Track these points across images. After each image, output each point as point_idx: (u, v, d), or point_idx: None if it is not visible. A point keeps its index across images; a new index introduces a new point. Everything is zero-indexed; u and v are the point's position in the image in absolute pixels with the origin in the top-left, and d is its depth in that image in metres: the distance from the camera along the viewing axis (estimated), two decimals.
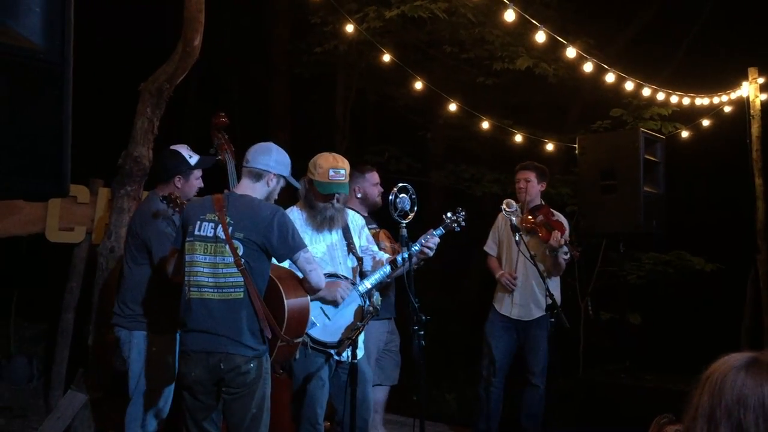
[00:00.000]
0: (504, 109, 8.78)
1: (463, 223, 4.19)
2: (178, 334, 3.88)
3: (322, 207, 3.82)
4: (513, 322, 5.17)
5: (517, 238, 4.62)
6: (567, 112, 9.69)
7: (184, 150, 4.10)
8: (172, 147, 4.13)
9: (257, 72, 10.06)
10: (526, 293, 5.13)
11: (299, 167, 3.83)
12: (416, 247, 3.93)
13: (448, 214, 4.16)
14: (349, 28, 6.43)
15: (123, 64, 7.75)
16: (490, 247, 5.42)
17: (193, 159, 4.09)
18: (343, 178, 3.80)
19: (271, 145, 3.52)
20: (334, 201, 3.82)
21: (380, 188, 4.72)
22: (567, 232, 5.08)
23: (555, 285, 5.13)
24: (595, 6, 9.07)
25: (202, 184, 4.17)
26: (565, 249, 4.97)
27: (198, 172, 4.13)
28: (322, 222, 3.83)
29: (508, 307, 5.19)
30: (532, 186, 5.24)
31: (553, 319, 4.42)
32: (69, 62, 1.70)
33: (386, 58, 6.53)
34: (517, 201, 5.14)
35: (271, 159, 3.44)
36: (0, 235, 5.40)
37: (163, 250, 3.79)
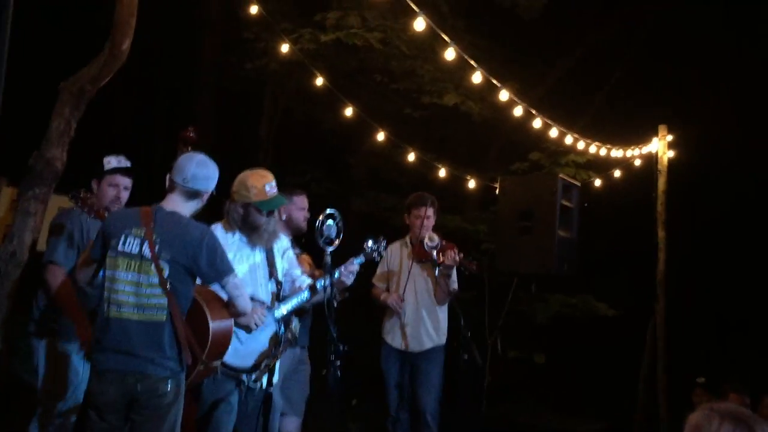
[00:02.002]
0: (427, 142, 8.91)
1: (383, 253, 4.21)
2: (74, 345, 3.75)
3: (265, 222, 3.74)
4: (405, 354, 5.08)
5: (437, 273, 4.67)
6: (487, 150, 9.95)
7: (113, 157, 4.05)
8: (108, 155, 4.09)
9: (184, 81, 9.84)
10: (417, 324, 5.05)
11: (220, 181, 3.73)
12: (336, 275, 3.88)
13: (369, 243, 4.14)
14: (284, 47, 6.38)
15: (40, 60, 7.40)
16: (377, 277, 5.25)
17: (109, 165, 4.00)
18: (276, 190, 3.76)
19: (207, 160, 3.36)
20: (275, 214, 3.78)
21: (306, 214, 4.64)
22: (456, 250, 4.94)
23: (444, 315, 5.10)
24: (518, 52, 9.41)
25: (120, 195, 4.02)
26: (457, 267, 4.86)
27: (113, 179, 3.99)
28: (269, 238, 3.77)
29: (399, 339, 5.09)
30: (431, 222, 5.11)
31: (466, 356, 4.47)
32: (3, 59, 1.60)
33: (318, 81, 6.51)
34: (412, 235, 5.07)
35: (210, 178, 3.31)
36: None
37: (56, 249, 3.81)
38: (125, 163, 4.06)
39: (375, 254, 4.16)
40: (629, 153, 7.35)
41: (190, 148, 3.81)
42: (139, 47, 4.83)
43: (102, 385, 3.11)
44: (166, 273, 3.10)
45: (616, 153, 7.26)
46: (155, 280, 3.10)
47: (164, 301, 3.10)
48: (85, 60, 4.79)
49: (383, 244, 4.20)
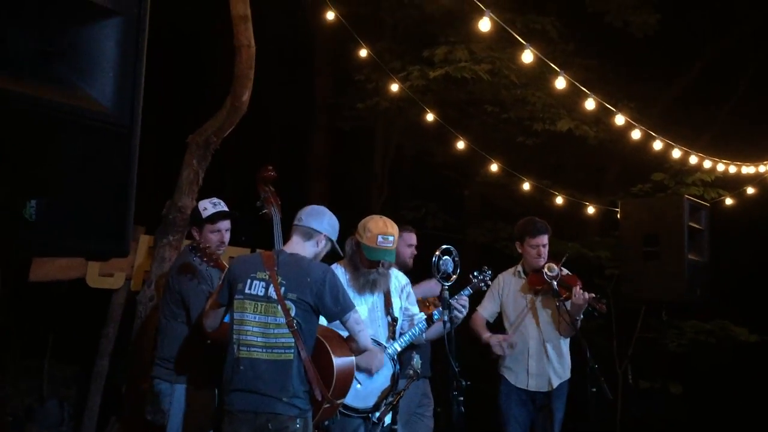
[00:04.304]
0: (542, 169, 8.75)
1: (490, 282, 4.24)
2: (216, 390, 3.86)
3: (365, 271, 3.79)
4: (530, 394, 4.72)
5: (557, 304, 4.52)
6: (604, 173, 9.64)
7: (207, 202, 4.07)
8: (202, 200, 4.13)
9: (298, 124, 10.21)
10: (542, 361, 4.70)
11: (338, 219, 3.80)
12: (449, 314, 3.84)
13: (475, 273, 4.15)
14: (394, 87, 6.51)
15: (166, 112, 7.92)
16: (484, 307, 4.86)
17: (206, 212, 4.04)
18: (391, 245, 3.77)
19: (324, 209, 3.53)
20: (379, 267, 3.78)
21: (414, 251, 4.66)
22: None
23: (567, 347, 4.77)
24: (634, 69, 9.10)
25: (223, 239, 4.06)
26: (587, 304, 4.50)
27: (214, 226, 4.03)
28: (364, 285, 3.80)
29: (524, 378, 4.72)
30: (547, 250, 4.75)
31: (594, 389, 4.27)
32: (137, 126, 1.73)
33: (429, 117, 6.58)
34: (526, 265, 4.79)
35: (324, 221, 3.45)
36: (41, 279, 5.47)
37: (199, 308, 3.79)
38: (221, 206, 4.07)
39: (482, 284, 4.17)
40: (762, 168, 6.90)
41: (272, 187, 3.90)
42: (256, 95, 5.09)
43: (234, 425, 3.22)
44: (292, 312, 3.21)
45: (747, 169, 6.83)
46: (282, 320, 3.20)
47: (291, 340, 3.20)
48: (201, 111, 5.11)
49: (488, 273, 4.18)
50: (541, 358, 4.71)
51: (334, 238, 3.52)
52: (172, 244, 4.95)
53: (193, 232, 4.10)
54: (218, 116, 4.94)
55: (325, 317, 3.35)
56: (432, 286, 4.41)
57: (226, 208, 4.09)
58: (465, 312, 3.95)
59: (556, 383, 4.70)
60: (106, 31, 1.68)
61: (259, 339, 3.22)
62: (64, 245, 1.63)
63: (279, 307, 3.21)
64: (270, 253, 3.39)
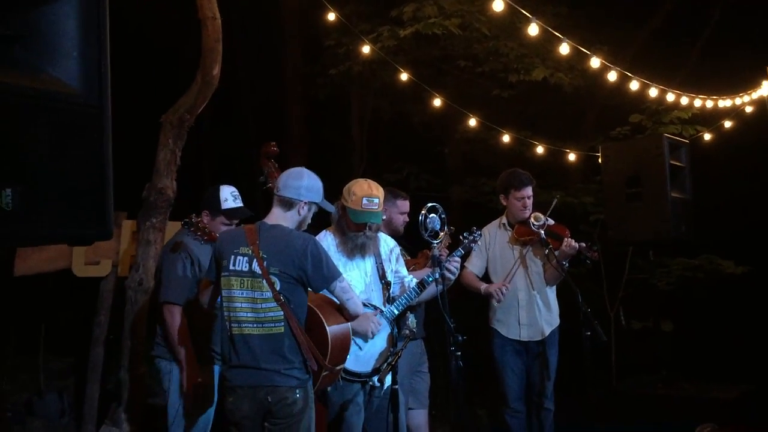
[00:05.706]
0: (520, 121, 8.73)
1: (479, 242, 4.36)
2: (216, 367, 3.87)
3: (353, 235, 3.78)
4: (523, 344, 4.79)
5: (546, 252, 4.56)
6: (583, 119, 9.64)
7: (228, 191, 4.08)
8: (223, 185, 4.13)
9: (272, 96, 10.09)
10: (533, 311, 4.76)
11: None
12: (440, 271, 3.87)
13: (465, 234, 4.17)
14: (365, 49, 6.43)
15: (139, 96, 7.79)
16: (472, 263, 4.89)
17: (227, 204, 4.05)
18: (376, 207, 3.73)
19: (303, 170, 3.43)
20: (366, 230, 3.76)
21: (407, 218, 4.61)
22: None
23: (554, 294, 4.85)
24: (604, 12, 9.04)
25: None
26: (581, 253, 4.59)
27: (228, 220, 4.04)
28: (353, 249, 3.78)
29: (516, 329, 4.77)
30: (532, 201, 4.79)
31: (588, 333, 4.33)
32: (107, 105, 1.68)
33: (403, 76, 6.52)
34: (511, 217, 4.84)
35: (302, 186, 3.35)
36: (28, 272, 5.42)
37: (168, 280, 3.84)
38: (239, 200, 4.11)
39: (472, 245, 4.22)
40: (738, 101, 6.91)
41: (275, 163, 3.86)
42: (226, 70, 5.02)
43: (236, 401, 3.24)
44: (278, 286, 3.19)
45: (724, 103, 6.85)
46: (269, 294, 3.19)
47: (280, 313, 3.19)
48: (172, 91, 5.02)
49: (478, 233, 4.22)
50: (531, 308, 4.78)
51: (317, 199, 3.41)
52: (155, 227, 4.91)
53: (203, 214, 4.08)
54: (190, 93, 4.86)
55: (311, 288, 3.33)
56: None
57: (243, 205, 4.11)
58: (457, 273, 3.97)
59: (548, 331, 4.79)
60: (64, 10, 1.63)
61: (249, 315, 3.21)
62: (45, 233, 1.59)
63: (264, 281, 3.18)
64: (252, 227, 3.34)
